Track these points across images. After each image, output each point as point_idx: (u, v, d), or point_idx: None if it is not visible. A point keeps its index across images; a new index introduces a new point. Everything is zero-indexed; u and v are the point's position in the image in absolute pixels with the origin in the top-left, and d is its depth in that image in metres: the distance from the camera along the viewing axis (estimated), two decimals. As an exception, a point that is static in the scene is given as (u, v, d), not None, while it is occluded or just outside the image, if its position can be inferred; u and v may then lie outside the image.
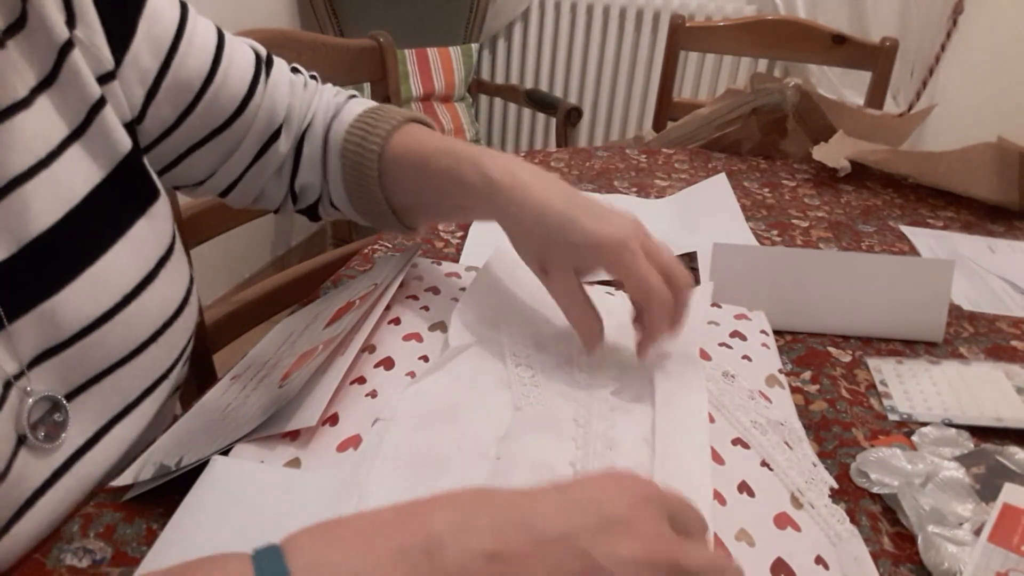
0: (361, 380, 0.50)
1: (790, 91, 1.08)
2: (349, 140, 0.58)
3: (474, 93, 2.38)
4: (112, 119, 0.47)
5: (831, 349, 0.62)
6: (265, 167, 0.60)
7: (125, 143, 0.48)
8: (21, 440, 0.41)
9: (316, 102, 0.61)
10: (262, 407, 0.45)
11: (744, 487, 0.43)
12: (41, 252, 0.42)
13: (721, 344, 0.57)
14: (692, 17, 2.16)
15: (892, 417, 0.54)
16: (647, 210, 0.90)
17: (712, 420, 0.48)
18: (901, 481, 0.46)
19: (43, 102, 0.44)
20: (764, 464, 0.46)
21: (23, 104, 0.42)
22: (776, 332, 0.62)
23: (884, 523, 0.44)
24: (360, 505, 0.39)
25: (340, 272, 0.71)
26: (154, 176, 0.51)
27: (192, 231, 0.86)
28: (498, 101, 2.59)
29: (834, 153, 1.03)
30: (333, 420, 0.46)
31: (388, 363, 0.52)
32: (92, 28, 0.46)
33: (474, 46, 2.27)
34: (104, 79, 0.47)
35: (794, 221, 0.89)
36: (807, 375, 0.58)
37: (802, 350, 0.62)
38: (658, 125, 1.62)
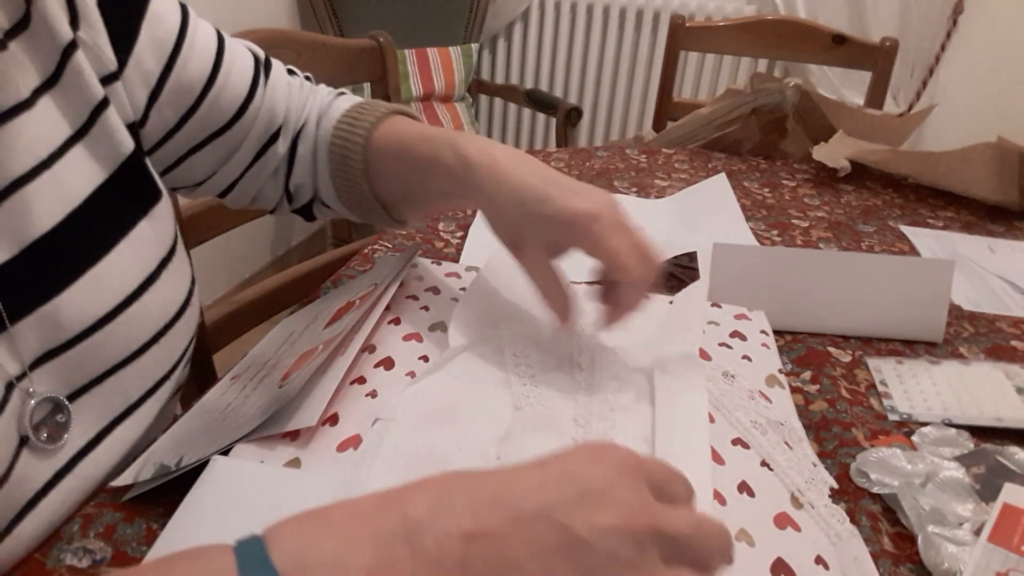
0: (361, 380, 0.50)
1: (790, 91, 1.08)
2: (336, 135, 0.58)
3: (474, 93, 2.39)
4: (115, 120, 0.47)
5: (831, 349, 0.62)
6: (264, 168, 0.60)
7: (127, 144, 0.48)
8: (23, 441, 0.41)
9: (311, 103, 0.61)
10: (262, 407, 0.45)
11: (744, 487, 0.43)
12: (43, 253, 0.42)
13: (721, 344, 0.57)
14: (692, 17, 2.16)
15: (892, 417, 0.54)
16: (647, 210, 0.90)
17: (712, 420, 0.48)
18: (901, 481, 0.46)
19: (46, 103, 0.44)
20: (764, 464, 0.46)
21: (25, 105, 0.42)
22: (776, 332, 0.62)
23: (884, 523, 0.44)
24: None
25: (340, 272, 0.71)
26: (156, 177, 0.51)
27: (192, 231, 0.86)
28: (498, 101, 2.59)
29: (834, 153, 1.02)
30: (333, 420, 0.46)
31: (388, 363, 0.52)
32: (95, 29, 0.46)
33: (474, 46, 2.27)
34: (107, 80, 0.47)
35: (794, 221, 0.89)
36: (807, 375, 0.58)
37: (802, 350, 0.62)
38: (658, 125, 1.62)
